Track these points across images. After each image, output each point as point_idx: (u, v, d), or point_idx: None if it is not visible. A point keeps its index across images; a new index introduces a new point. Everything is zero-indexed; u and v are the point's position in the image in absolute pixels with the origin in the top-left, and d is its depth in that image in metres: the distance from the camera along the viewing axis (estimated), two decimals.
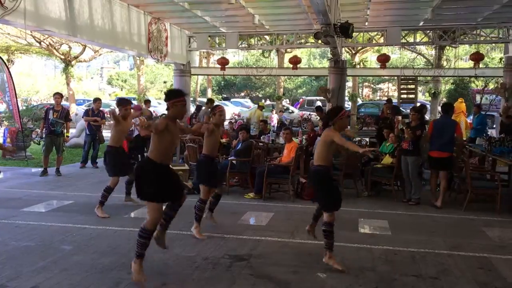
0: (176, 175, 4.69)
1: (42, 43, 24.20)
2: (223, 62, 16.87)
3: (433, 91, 22.87)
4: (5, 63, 11.36)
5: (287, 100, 37.22)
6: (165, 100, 4.39)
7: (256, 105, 17.70)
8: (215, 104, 8.89)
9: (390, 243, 5.61)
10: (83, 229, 5.91)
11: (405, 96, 19.02)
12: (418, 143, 7.77)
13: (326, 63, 39.91)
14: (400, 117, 7.87)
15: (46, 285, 4.14)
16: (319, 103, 29.01)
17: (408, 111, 12.78)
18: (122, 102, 7.01)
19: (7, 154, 10.74)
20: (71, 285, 4.17)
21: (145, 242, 4.21)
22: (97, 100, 11.34)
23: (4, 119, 13.29)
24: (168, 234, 5.71)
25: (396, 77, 23.03)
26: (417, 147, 7.76)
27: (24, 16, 8.13)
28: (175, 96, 4.36)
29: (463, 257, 5.19)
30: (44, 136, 10.14)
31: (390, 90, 43.44)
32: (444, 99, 29.32)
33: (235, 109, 29.73)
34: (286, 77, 35.46)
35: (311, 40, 15.77)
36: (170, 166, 4.55)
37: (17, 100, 11.25)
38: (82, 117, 11.25)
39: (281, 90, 29.12)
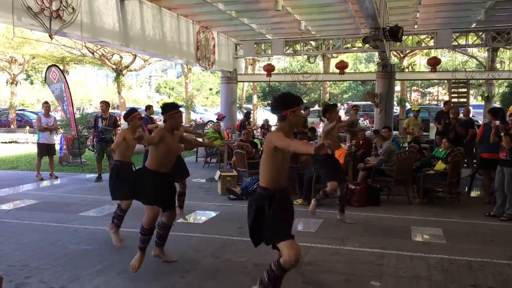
0: (172, 186, 4.96)
1: (95, 53, 25.23)
2: (269, 69, 16.94)
3: (486, 95, 22.04)
4: (63, 73, 11.91)
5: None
6: (162, 113, 4.71)
7: None
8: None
9: (445, 251, 5.44)
10: (136, 233, 6.04)
11: (456, 100, 18.43)
12: None
13: (372, 67, 39.35)
14: (497, 122, 7.20)
15: None
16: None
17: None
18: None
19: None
20: (127, 287, 4.31)
21: (145, 238, 4.62)
22: (150, 107, 11.94)
23: (60, 127, 13.90)
24: (219, 239, 5.85)
25: (446, 81, 22.39)
26: None
27: (81, 29, 8.51)
28: (171, 109, 4.68)
29: None
30: (95, 143, 10.53)
31: (440, 94, 42.25)
32: (498, 103, 28.20)
33: None
34: (331, 82, 35.21)
35: (358, 44, 15.59)
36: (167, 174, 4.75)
37: (73, 109, 11.77)
38: (144, 126, 11.64)
39: (327, 95, 28.89)
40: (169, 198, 4.82)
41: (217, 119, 15.07)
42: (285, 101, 3.59)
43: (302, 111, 3.85)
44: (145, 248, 4.64)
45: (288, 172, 3.79)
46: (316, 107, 32.96)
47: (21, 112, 32.41)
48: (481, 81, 22.93)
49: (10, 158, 14.32)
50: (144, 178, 4.66)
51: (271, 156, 3.53)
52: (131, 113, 5.72)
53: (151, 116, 11.79)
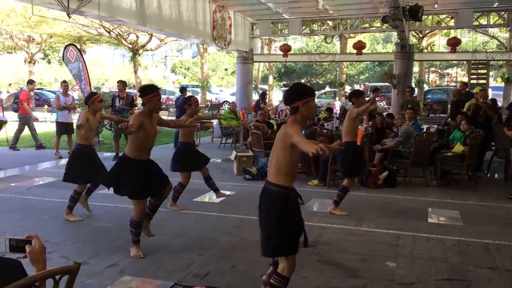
0: (156, 167, 4.72)
1: (111, 32, 25.27)
2: (286, 49, 16.79)
3: (506, 76, 21.59)
4: (80, 52, 11.98)
5: (349, 87, 36.57)
6: (140, 96, 4.50)
7: None
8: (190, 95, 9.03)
9: (462, 234, 5.42)
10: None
11: (475, 81, 18.12)
12: None
13: (390, 48, 38.74)
14: None
15: (124, 263, 4.37)
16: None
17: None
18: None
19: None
20: (146, 264, 4.38)
21: (136, 231, 4.58)
22: (184, 89, 12.36)
23: (78, 106, 14.03)
24: (235, 218, 5.91)
25: (465, 62, 21.97)
26: None
27: (98, 7, 8.51)
28: (150, 92, 4.44)
29: None
30: (112, 122, 10.61)
31: (458, 75, 41.51)
32: None
33: None
34: (348, 63, 34.81)
35: (376, 24, 15.33)
36: (149, 159, 4.65)
37: (90, 88, 11.85)
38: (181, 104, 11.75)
39: (344, 76, 28.61)
40: (156, 184, 4.64)
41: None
42: (297, 92, 3.38)
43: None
44: (139, 240, 4.60)
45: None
46: (327, 88, 32.70)
47: (39, 91, 32.74)
48: (501, 62, 22.45)
49: (29, 136, 14.51)
50: (126, 170, 4.48)
51: (290, 151, 3.20)
52: (91, 96, 5.85)
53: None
